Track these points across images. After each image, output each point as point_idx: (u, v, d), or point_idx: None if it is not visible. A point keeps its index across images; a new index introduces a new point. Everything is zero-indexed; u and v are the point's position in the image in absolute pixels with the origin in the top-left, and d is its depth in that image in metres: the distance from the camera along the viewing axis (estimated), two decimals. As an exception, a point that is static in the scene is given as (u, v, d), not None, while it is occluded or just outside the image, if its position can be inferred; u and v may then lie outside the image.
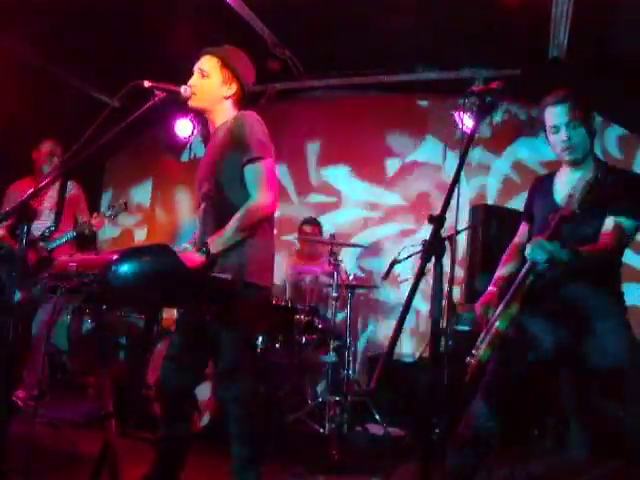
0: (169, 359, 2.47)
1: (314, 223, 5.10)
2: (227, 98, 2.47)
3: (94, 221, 4.39)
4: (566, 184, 2.28)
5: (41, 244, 4.29)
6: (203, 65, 2.45)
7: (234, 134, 2.34)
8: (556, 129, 2.25)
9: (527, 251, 2.11)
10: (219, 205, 2.37)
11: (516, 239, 2.54)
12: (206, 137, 2.58)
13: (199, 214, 2.47)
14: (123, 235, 6.55)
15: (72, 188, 4.71)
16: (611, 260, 2.18)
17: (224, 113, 2.47)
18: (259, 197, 2.28)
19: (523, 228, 2.52)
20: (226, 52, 2.48)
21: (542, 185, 2.43)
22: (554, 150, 2.32)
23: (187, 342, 2.43)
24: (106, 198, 6.68)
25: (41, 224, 4.39)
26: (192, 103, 2.42)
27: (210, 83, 2.43)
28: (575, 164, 2.29)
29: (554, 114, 2.25)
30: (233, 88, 2.46)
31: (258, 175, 2.30)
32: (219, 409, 3.61)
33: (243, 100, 2.52)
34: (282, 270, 5.03)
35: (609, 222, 2.15)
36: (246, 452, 2.28)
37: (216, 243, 2.21)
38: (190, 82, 2.43)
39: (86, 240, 4.80)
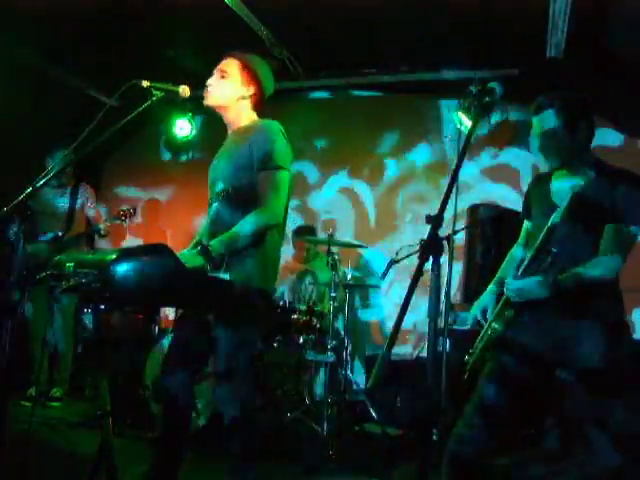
0: (168, 358, 2.47)
1: (305, 233, 4.97)
2: (245, 99, 2.49)
3: (103, 226, 4.49)
4: (561, 184, 2.28)
5: (52, 247, 4.36)
6: (223, 66, 2.50)
7: (256, 141, 2.35)
8: (534, 138, 2.28)
9: (504, 289, 2.18)
10: (232, 207, 2.37)
11: (519, 239, 2.54)
12: (213, 136, 2.62)
13: (210, 213, 2.48)
14: (120, 235, 6.54)
15: (84, 191, 4.76)
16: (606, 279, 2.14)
17: (242, 114, 2.50)
18: (268, 205, 2.29)
19: (525, 228, 2.53)
20: (248, 56, 2.53)
21: (540, 183, 2.43)
22: None
23: (186, 341, 2.43)
24: (103, 197, 6.67)
25: (57, 228, 4.48)
26: (208, 101, 2.47)
27: (228, 83, 2.47)
28: (561, 169, 2.29)
29: (533, 124, 2.27)
30: (251, 90, 2.50)
31: (272, 183, 2.31)
32: (217, 409, 3.61)
33: (261, 104, 2.56)
34: (281, 272, 5.03)
35: (608, 231, 2.13)
36: (242, 452, 2.28)
37: (218, 246, 2.20)
38: (209, 81, 2.47)
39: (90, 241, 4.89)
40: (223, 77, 2.47)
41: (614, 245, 2.10)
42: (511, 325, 2.20)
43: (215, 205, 2.45)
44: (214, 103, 2.47)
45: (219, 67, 2.50)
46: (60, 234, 4.45)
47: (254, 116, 2.53)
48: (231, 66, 2.48)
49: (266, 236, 2.34)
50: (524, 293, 2.11)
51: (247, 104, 2.51)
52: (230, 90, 2.47)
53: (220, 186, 2.42)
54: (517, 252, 2.51)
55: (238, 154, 2.40)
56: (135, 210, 4.52)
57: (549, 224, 2.05)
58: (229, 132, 2.56)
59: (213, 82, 2.47)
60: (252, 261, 2.29)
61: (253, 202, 2.31)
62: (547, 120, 2.20)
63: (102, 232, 4.59)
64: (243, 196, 2.35)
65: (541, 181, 2.44)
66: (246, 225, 2.26)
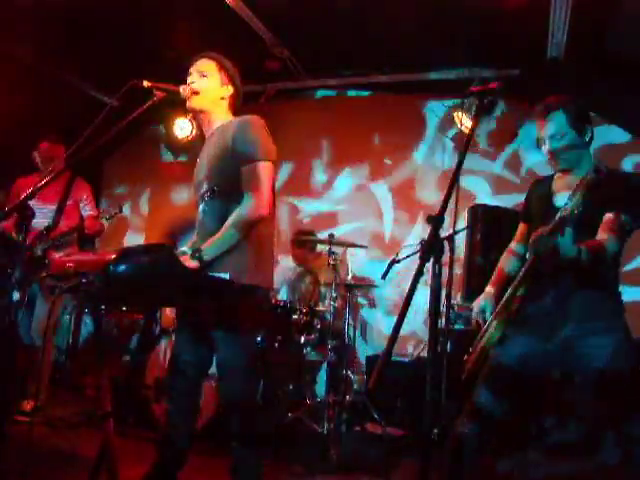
0: (174, 358, 2.47)
1: (305, 238, 4.89)
2: (224, 99, 2.49)
3: (87, 223, 4.37)
4: (563, 187, 2.29)
5: (37, 243, 4.28)
6: (201, 67, 2.47)
7: (237, 136, 2.33)
8: (542, 141, 2.28)
9: (530, 243, 2.06)
10: (218, 206, 2.36)
11: (514, 241, 2.55)
12: (201, 138, 2.59)
13: (198, 216, 2.47)
14: (121, 235, 6.54)
15: (79, 187, 4.70)
16: (608, 257, 2.16)
17: (221, 115, 2.49)
18: (252, 199, 2.27)
19: (521, 230, 2.53)
20: (220, 57, 2.52)
21: (540, 187, 2.44)
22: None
23: (188, 341, 2.43)
24: (104, 197, 6.68)
25: (47, 222, 4.37)
26: (193, 103, 2.43)
27: (210, 84, 2.45)
28: (565, 172, 2.30)
29: (540, 126, 2.27)
30: (230, 90, 2.50)
31: (254, 177, 2.29)
32: (219, 409, 3.61)
33: (238, 103, 2.55)
34: (281, 271, 5.03)
35: (608, 216, 2.15)
36: (246, 452, 2.28)
37: (210, 249, 2.20)
38: (190, 81, 2.44)
39: (86, 240, 4.81)
40: (203, 77, 2.44)
41: (609, 232, 2.12)
42: (512, 324, 2.19)
43: (201, 207, 2.44)
44: (199, 105, 2.44)
45: (197, 68, 2.47)
46: (48, 229, 4.32)
47: (230, 116, 2.51)
48: (209, 67, 2.47)
49: (256, 229, 2.31)
50: (554, 245, 1.99)
51: (225, 105, 2.50)
52: (212, 91, 2.45)
53: (204, 187, 2.41)
54: (512, 251, 2.52)
55: (219, 153, 2.37)
56: (121, 208, 4.36)
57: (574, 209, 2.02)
58: (207, 134, 2.53)
59: (196, 82, 2.43)
60: (245, 257, 2.27)
61: (237, 199, 2.29)
62: (558, 121, 2.21)
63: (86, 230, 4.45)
64: (227, 194, 2.33)
65: (541, 184, 2.45)
66: (234, 223, 2.24)
